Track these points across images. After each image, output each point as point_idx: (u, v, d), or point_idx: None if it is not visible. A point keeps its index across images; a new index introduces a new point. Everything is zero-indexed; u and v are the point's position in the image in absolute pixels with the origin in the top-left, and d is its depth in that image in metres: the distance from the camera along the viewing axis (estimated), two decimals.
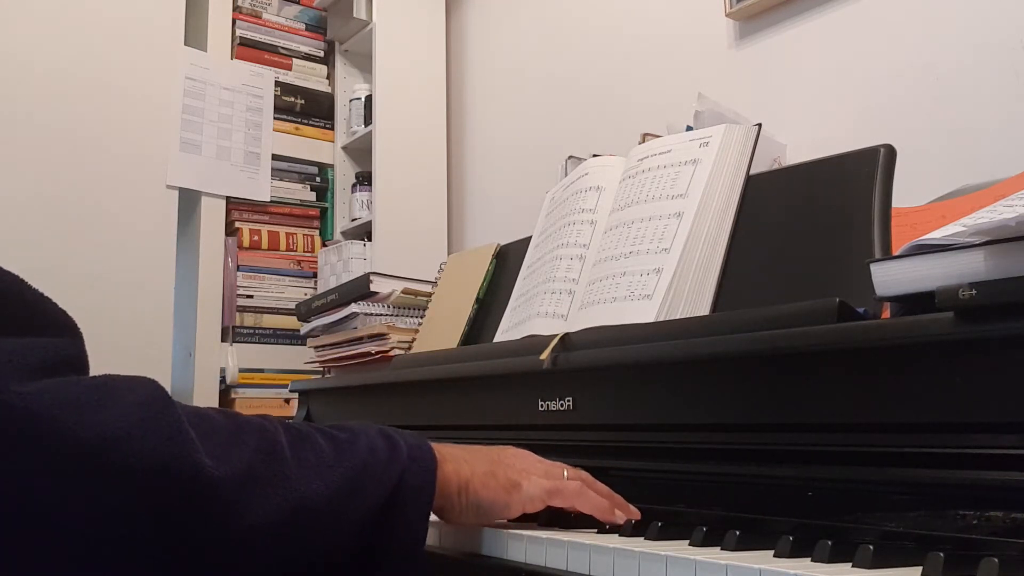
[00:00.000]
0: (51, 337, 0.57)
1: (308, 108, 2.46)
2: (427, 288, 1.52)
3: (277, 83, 2.39)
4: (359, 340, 1.51)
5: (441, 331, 1.32)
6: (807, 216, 0.86)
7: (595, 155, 1.23)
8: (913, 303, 0.61)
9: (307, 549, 0.61)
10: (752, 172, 0.94)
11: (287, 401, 2.20)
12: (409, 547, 0.66)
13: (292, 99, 2.43)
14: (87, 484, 0.52)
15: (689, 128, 1.28)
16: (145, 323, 2.04)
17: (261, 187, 2.32)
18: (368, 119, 2.39)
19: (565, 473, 0.75)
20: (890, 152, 0.82)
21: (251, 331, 2.24)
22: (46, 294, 0.61)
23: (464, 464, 0.71)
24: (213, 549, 0.57)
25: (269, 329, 2.26)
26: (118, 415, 0.53)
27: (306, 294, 2.28)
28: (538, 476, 0.74)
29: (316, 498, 0.60)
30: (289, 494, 0.59)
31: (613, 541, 0.64)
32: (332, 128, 2.51)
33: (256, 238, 2.30)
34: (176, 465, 0.54)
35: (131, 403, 0.54)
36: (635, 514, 0.73)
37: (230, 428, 0.59)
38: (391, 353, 1.43)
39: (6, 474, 0.50)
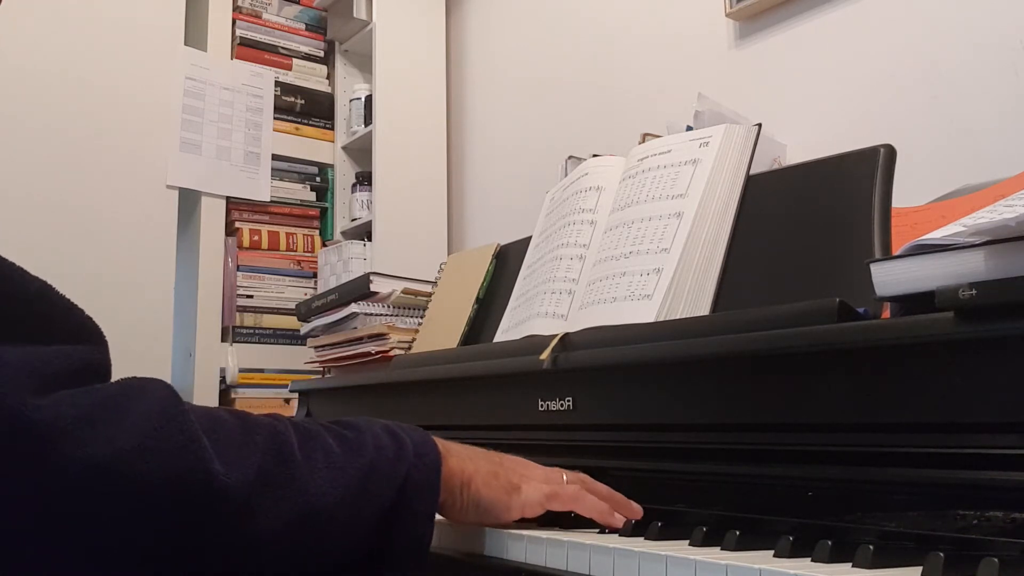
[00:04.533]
0: (76, 344, 0.56)
1: (308, 108, 2.46)
2: (427, 288, 1.52)
3: (277, 83, 2.39)
4: (359, 340, 1.51)
5: (441, 331, 1.32)
6: (807, 216, 0.86)
7: (595, 155, 1.23)
8: (913, 303, 0.61)
9: (317, 552, 0.61)
10: (752, 172, 0.94)
11: (287, 401, 2.20)
12: (416, 545, 0.66)
13: (292, 99, 2.43)
14: (102, 500, 0.52)
15: (689, 128, 1.28)
16: (145, 323, 2.04)
17: (261, 187, 2.32)
18: (368, 119, 2.39)
19: (564, 477, 0.75)
20: (890, 152, 0.82)
21: (251, 331, 2.24)
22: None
23: (468, 461, 0.72)
24: (225, 556, 0.57)
25: (269, 329, 2.26)
26: (131, 427, 0.53)
27: (306, 294, 2.28)
28: (538, 481, 0.74)
29: (327, 501, 0.60)
30: (300, 498, 0.59)
31: (613, 541, 0.64)
32: (332, 128, 2.51)
33: (256, 238, 2.30)
34: (190, 476, 0.54)
35: (144, 413, 0.54)
36: (637, 513, 0.73)
37: (240, 430, 0.59)
38: (391, 353, 1.43)
39: (23, 489, 0.50)
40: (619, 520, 0.72)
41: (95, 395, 0.54)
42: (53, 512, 0.51)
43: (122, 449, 0.52)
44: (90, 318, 0.59)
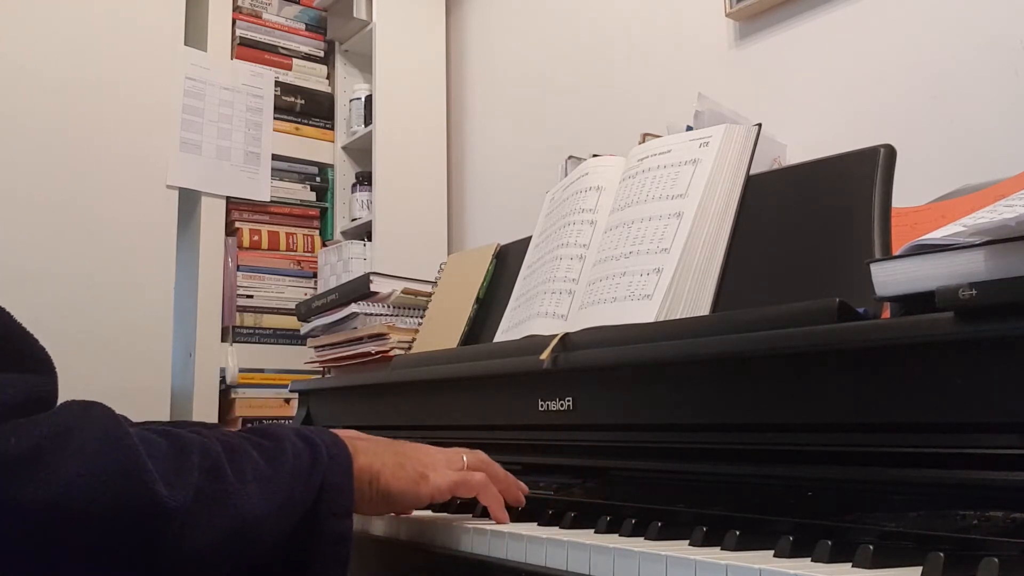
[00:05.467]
0: (23, 373, 0.57)
1: (308, 108, 2.46)
2: (427, 288, 1.52)
3: (277, 83, 2.39)
4: (359, 340, 1.51)
5: (441, 331, 1.32)
6: (807, 216, 0.86)
7: (595, 155, 1.23)
8: (913, 303, 0.61)
9: (247, 560, 0.64)
10: (752, 172, 0.94)
11: (287, 401, 2.20)
12: (339, 541, 0.69)
13: (292, 99, 2.43)
14: (51, 532, 0.53)
15: (689, 128, 1.28)
16: (145, 323, 2.04)
17: (261, 187, 2.32)
18: (368, 119, 2.39)
19: (464, 458, 0.81)
20: (890, 152, 0.82)
21: (251, 331, 2.24)
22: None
23: (374, 456, 0.75)
24: (162, 571, 0.58)
25: (269, 329, 2.26)
26: (77, 457, 0.54)
27: (306, 294, 2.28)
28: (443, 467, 0.79)
29: (257, 512, 0.63)
30: (234, 511, 0.62)
31: (613, 541, 0.64)
32: (332, 128, 2.51)
33: (256, 238, 2.30)
34: (136, 500, 0.55)
35: (89, 440, 0.55)
36: (520, 500, 0.82)
37: (176, 450, 0.61)
38: (391, 353, 1.43)
39: None
40: (518, 498, 0.81)
41: (39, 426, 0.54)
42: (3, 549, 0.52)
43: (70, 480, 0.53)
44: (41, 347, 0.60)
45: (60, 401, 0.59)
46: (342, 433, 0.76)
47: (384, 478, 0.75)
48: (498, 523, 0.78)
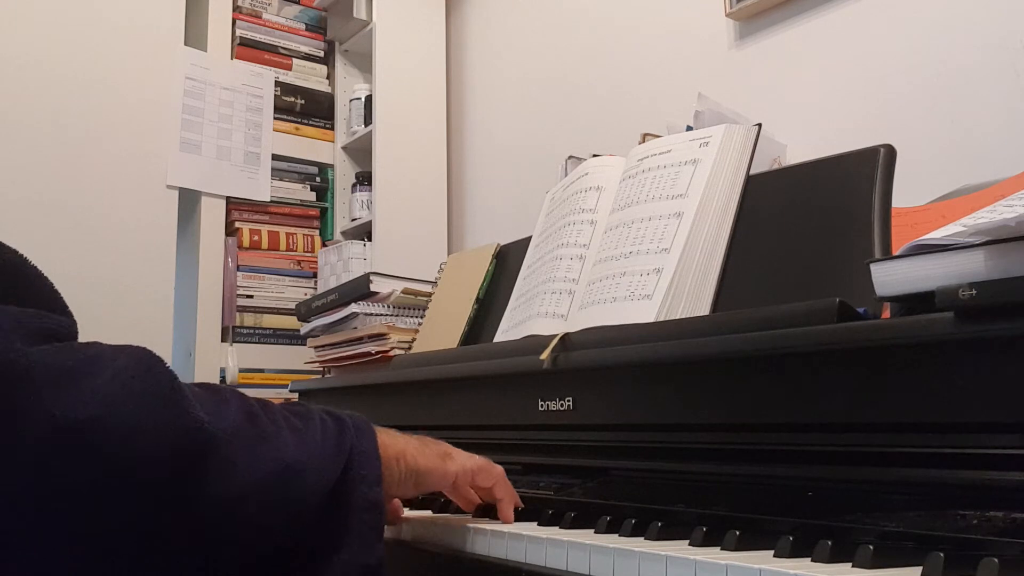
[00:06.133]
0: (51, 312, 0.57)
1: (308, 108, 2.46)
2: (427, 288, 1.52)
3: (277, 83, 2.39)
4: (359, 340, 1.51)
5: (441, 331, 1.32)
6: (807, 216, 0.86)
7: (595, 155, 1.23)
8: (913, 303, 0.61)
9: (286, 508, 0.62)
10: (752, 172, 0.94)
11: (287, 401, 2.20)
12: (369, 509, 0.67)
13: (292, 99, 2.43)
14: (93, 451, 0.51)
15: (689, 128, 1.28)
16: (145, 323, 2.04)
17: (261, 187, 2.32)
18: (368, 119, 2.40)
19: (478, 459, 0.81)
20: (890, 152, 0.82)
21: (251, 331, 2.24)
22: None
23: (396, 438, 0.75)
24: (208, 503, 0.56)
25: (269, 329, 2.26)
26: (117, 377, 0.53)
27: (306, 294, 2.28)
28: (462, 453, 0.79)
29: (297, 456, 0.62)
30: (275, 452, 0.61)
31: (613, 541, 0.64)
32: (332, 128, 2.51)
33: (256, 238, 2.30)
34: (179, 421, 0.54)
35: (126, 364, 0.55)
36: (518, 505, 0.82)
37: (211, 391, 0.61)
38: (391, 353, 1.43)
39: (17, 439, 0.49)
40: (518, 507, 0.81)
41: (74, 350, 0.54)
42: (48, 469, 0.50)
43: (111, 397, 0.52)
44: (59, 293, 0.60)
45: None
46: None
47: (410, 455, 0.74)
48: (505, 522, 0.79)
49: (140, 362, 0.55)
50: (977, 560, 0.48)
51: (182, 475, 0.55)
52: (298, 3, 2.51)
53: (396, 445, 0.74)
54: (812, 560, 0.54)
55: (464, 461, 0.78)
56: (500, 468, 0.81)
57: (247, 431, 0.60)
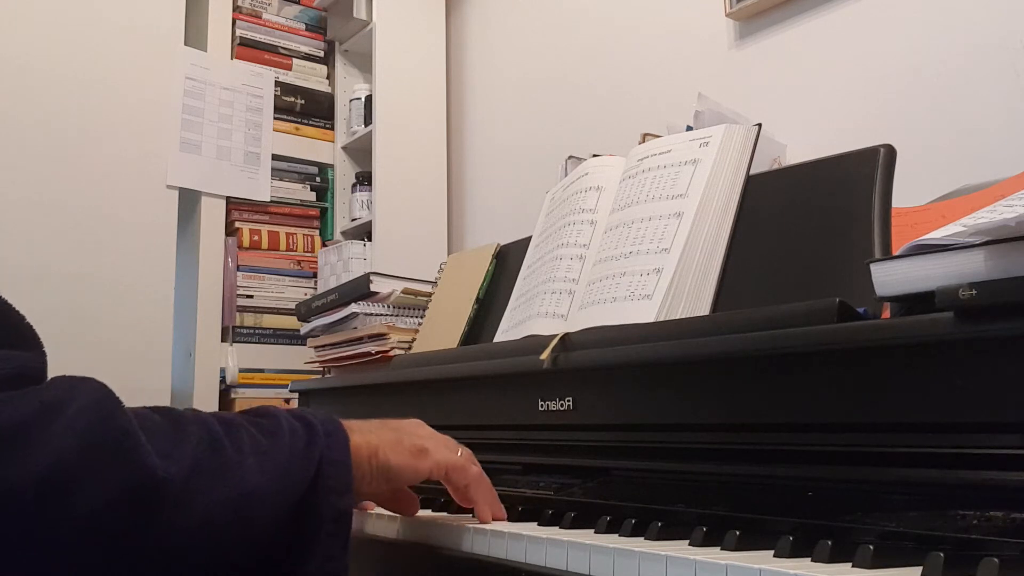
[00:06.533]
0: (12, 349, 0.57)
1: (308, 108, 2.46)
2: (427, 288, 1.52)
3: (277, 83, 2.39)
4: (359, 340, 1.51)
5: (441, 331, 1.32)
6: (807, 216, 0.86)
7: (595, 155, 1.23)
8: (913, 303, 0.61)
9: (246, 537, 0.63)
10: (752, 172, 0.94)
11: (287, 401, 2.20)
12: (337, 520, 0.67)
13: (292, 99, 2.43)
14: (41, 509, 0.52)
15: (689, 128, 1.28)
16: (145, 323, 2.04)
17: (261, 187, 2.32)
18: (368, 119, 2.40)
19: (460, 452, 0.80)
20: (890, 152, 0.82)
21: (251, 331, 2.24)
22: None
23: (370, 434, 0.74)
24: (160, 547, 0.57)
25: (269, 329, 2.26)
26: (69, 429, 0.53)
27: (306, 294, 2.28)
28: (442, 446, 0.78)
29: (255, 485, 0.62)
30: (232, 484, 0.61)
31: (613, 541, 0.64)
32: (332, 128, 2.51)
33: (256, 238, 2.30)
34: (126, 475, 0.55)
35: (80, 411, 0.55)
36: (502, 515, 0.80)
37: (172, 424, 0.61)
38: (391, 353, 1.43)
39: None
40: (500, 513, 0.80)
41: (29, 400, 0.54)
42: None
43: (59, 455, 0.52)
44: (29, 324, 0.59)
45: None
46: None
47: (383, 452, 0.74)
48: (481, 522, 0.78)
49: (96, 408, 0.56)
50: (977, 560, 0.47)
51: (134, 524, 0.56)
52: (298, 3, 2.51)
53: (369, 444, 0.73)
54: (812, 560, 0.54)
55: (440, 457, 0.77)
56: (478, 469, 0.79)
57: (206, 466, 0.60)
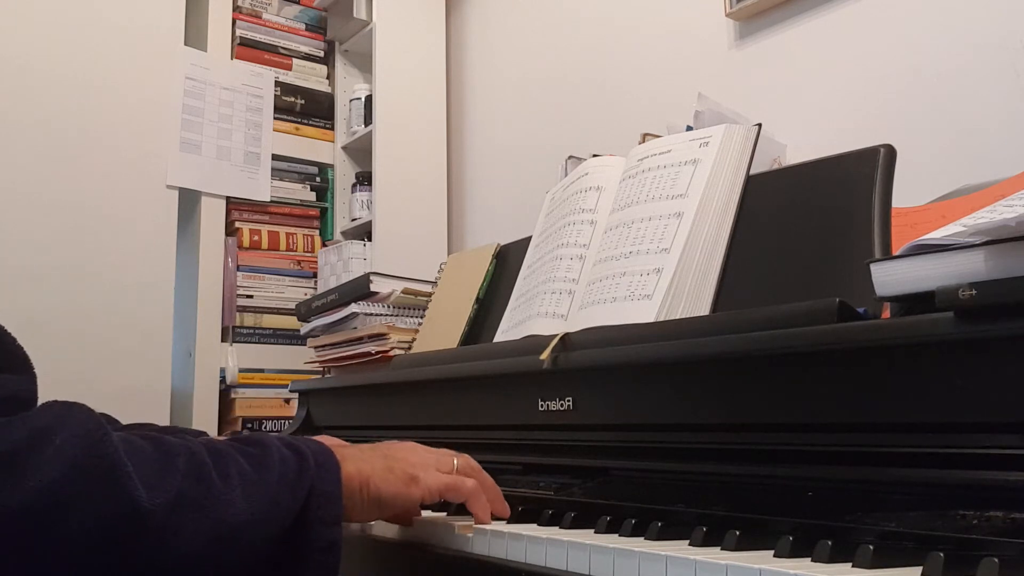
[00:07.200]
0: (5, 373, 0.57)
1: (308, 108, 2.46)
2: (427, 288, 1.52)
3: (277, 83, 2.39)
4: (359, 340, 1.51)
5: (441, 331, 1.32)
6: (807, 216, 0.86)
7: (595, 155, 1.23)
8: (913, 303, 0.61)
9: (232, 566, 0.63)
10: (752, 172, 0.94)
11: (287, 401, 2.20)
12: (326, 552, 0.68)
13: (292, 99, 2.43)
14: (26, 537, 0.53)
15: (689, 128, 1.28)
16: (145, 323, 2.04)
17: (261, 187, 2.32)
18: (368, 119, 2.40)
19: (455, 462, 0.80)
20: (890, 152, 0.82)
21: (251, 331, 2.24)
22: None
23: (363, 462, 0.75)
24: (147, 572, 0.58)
25: (269, 329, 2.26)
26: (56, 458, 0.54)
27: (306, 294, 2.28)
28: (433, 468, 0.78)
29: (243, 517, 0.63)
30: (218, 515, 0.61)
31: (613, 541, 0.64)
32: (332, 128, 2.51)
33: (256, 238, 2.30)
34: (111, 505, 0.55)
35: (68, 441, 0.55)
36: (506, 512, 0.81)
37: (159, 454, 0.61)
38: (391, 353, 1.43)
39: None
40: (504, 512, 0.80)
41: (17, 427, 0.54)
42: None
43: (45, 483, 0.53)
44: (20, 347, 0.60)
45: (42, 401, 0.59)
46: (325, 442, 0.75)
47: (374, 483, 0.74)
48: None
49: (85, 437, 0.56)
50: (977, 560, 0.47)
51: (118, 553, 0.56)
52: (298, 3, 2.51)
53: (361, 473, 0.74)
54: (812, 560, 0.54)
55: (431, 483, 0.77)
56: (472, 483, 0.79)
57: (191, 496, 0.60)
